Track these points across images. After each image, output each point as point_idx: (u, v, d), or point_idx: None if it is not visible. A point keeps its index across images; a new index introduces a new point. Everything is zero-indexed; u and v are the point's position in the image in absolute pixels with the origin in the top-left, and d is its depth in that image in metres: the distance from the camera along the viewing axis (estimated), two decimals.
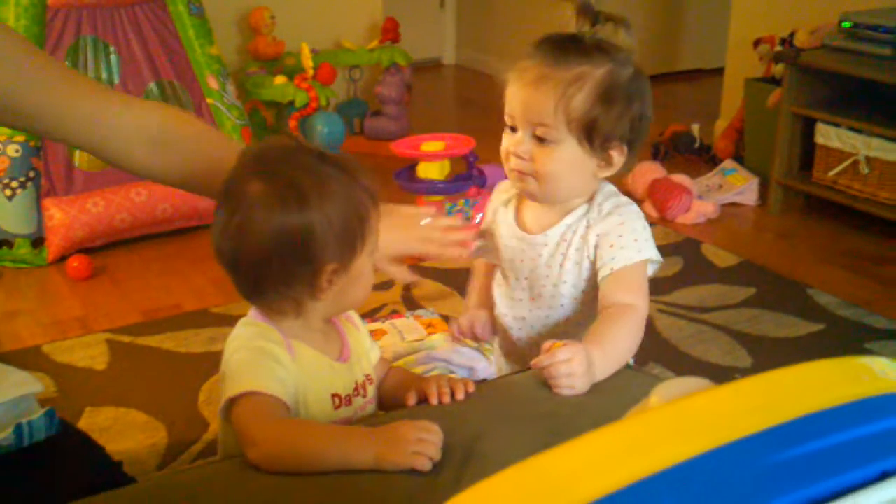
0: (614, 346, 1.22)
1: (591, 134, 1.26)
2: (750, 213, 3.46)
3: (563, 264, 1.34)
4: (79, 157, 2.98)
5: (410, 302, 2.72)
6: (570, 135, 1.26)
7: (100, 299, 2.77)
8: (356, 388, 1.19)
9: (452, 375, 2.02)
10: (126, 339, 2.51)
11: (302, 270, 1.10)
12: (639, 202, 3.46)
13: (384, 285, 2.80)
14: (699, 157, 3.94)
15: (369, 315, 2.61)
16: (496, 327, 1.48)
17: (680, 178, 3.43)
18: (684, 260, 3.00)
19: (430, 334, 2.47)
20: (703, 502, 0.42)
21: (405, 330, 2.52)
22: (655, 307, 2.65)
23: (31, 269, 2.95)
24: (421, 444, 0.98)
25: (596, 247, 1.31)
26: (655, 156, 3.90)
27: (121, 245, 3.09)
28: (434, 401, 1.14)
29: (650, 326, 2.56)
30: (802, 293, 2.75)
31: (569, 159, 1.27)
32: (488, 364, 2.14)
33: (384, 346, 2.39)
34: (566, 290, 1.36)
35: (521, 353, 1.44)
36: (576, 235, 1.33)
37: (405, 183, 2.98)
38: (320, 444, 1.01)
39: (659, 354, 2.40)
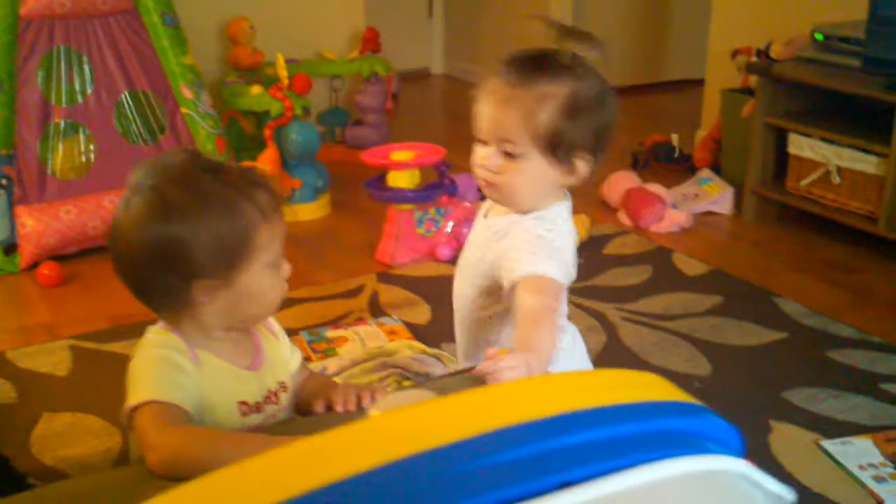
0: (541, 351, 1.25)
1: (556, 147, 1.32)
2: (724, 223, 3.46)
3: (485, 250, 1.43)
4: (51, 165, 3.00)
5: (376, 309, 2.73)
6: (535, 149, 1.33)
7: (69, 306, 2.79)
8: (268, 396, 1.21)
9: (406, 383, 2.04)
10: (90, 345, 2.52)
11: (174, 284, 1.12)
12: (613, 211, 3.49)
13: (350, 293, 2.82)
14: (679, 167, 3.95)
15: (333, 322, 2.62)
16: None
17: (654, 188, 3.45)
18: (654, 268, 3.01)
19: (391, 341, 2.49)
20: None
21: (367, 337, 2.53)
22: (619, 315, 2.66)
23: (2, 275, 2.97)
24: None
25: (504, 253, 1.36)
26: (635, 165, 3.92)
27: (93, 252, 3.10)
28: (339, 408, 1.16)
29: (612, 333, 2.58)
30: (769, 302, 2.75)
31: (534, 171, 1.34)
32: (445, 371, 2.15)
33: (344, 353, 2.40)
34: (476, 273, 1.45)
35: None
36: (501, 232, 1.41)
37: (375, 191, 2.99)
38: (213, 450, 1.02)
39: (619, 362, 2.41)
